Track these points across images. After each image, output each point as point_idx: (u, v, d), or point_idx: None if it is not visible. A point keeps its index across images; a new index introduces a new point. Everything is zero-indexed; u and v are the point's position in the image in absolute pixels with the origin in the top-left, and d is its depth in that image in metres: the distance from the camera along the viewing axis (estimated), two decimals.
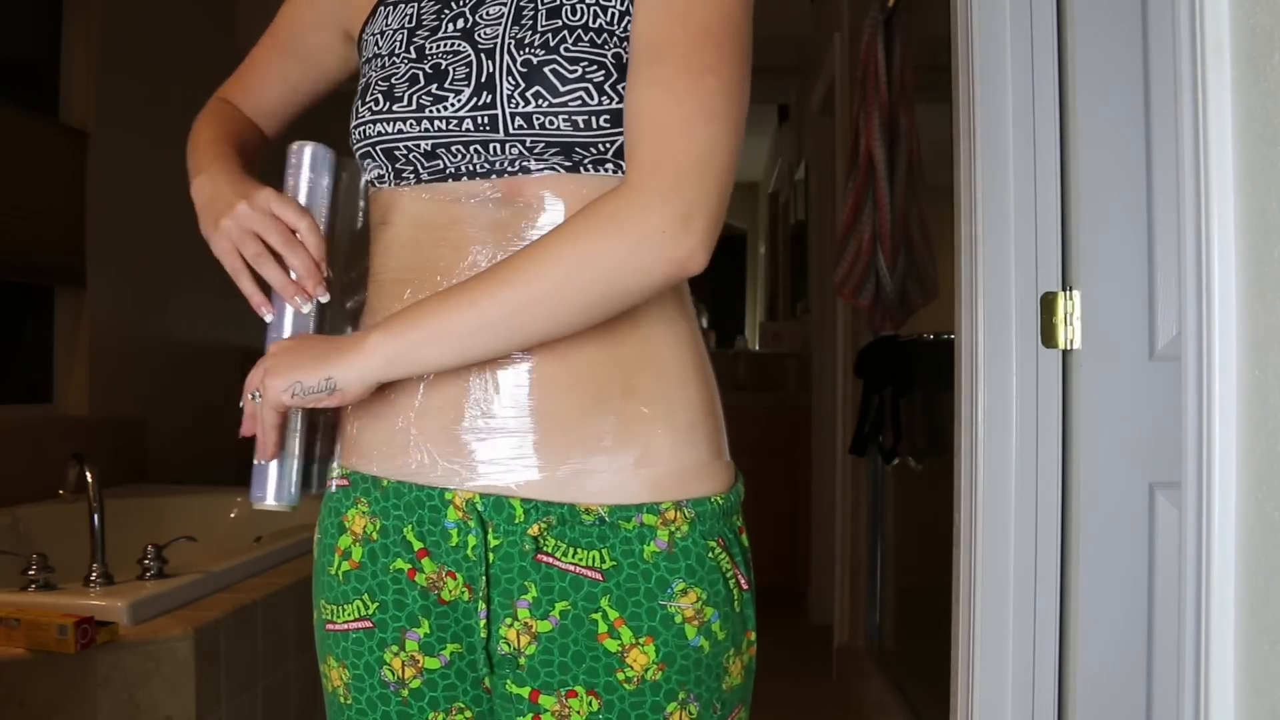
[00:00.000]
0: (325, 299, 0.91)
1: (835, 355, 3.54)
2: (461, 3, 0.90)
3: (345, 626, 0.89)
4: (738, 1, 0.83)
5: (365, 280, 0.95)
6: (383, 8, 0.94)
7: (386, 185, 0.91)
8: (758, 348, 5.32)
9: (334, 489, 0.94)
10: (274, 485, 0.90)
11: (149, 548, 2.03)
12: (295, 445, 0.90)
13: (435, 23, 0.90)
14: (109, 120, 3.16)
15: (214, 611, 1.93)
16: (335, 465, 0.95)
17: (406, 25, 0.91)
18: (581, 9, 0.85)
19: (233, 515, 3.04)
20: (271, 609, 2.12)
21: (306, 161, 0.94)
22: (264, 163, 1.07)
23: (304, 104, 1.08)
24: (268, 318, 0.91)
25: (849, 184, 2.69)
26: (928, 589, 2.27)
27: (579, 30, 0.84)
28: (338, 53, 1.03)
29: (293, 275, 0.89)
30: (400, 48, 0.90)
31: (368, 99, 0.90)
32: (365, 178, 0.95)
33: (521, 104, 0.83)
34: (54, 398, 3.09)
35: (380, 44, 0.92)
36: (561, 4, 0.86)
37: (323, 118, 1.17)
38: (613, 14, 0.85)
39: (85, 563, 2.00)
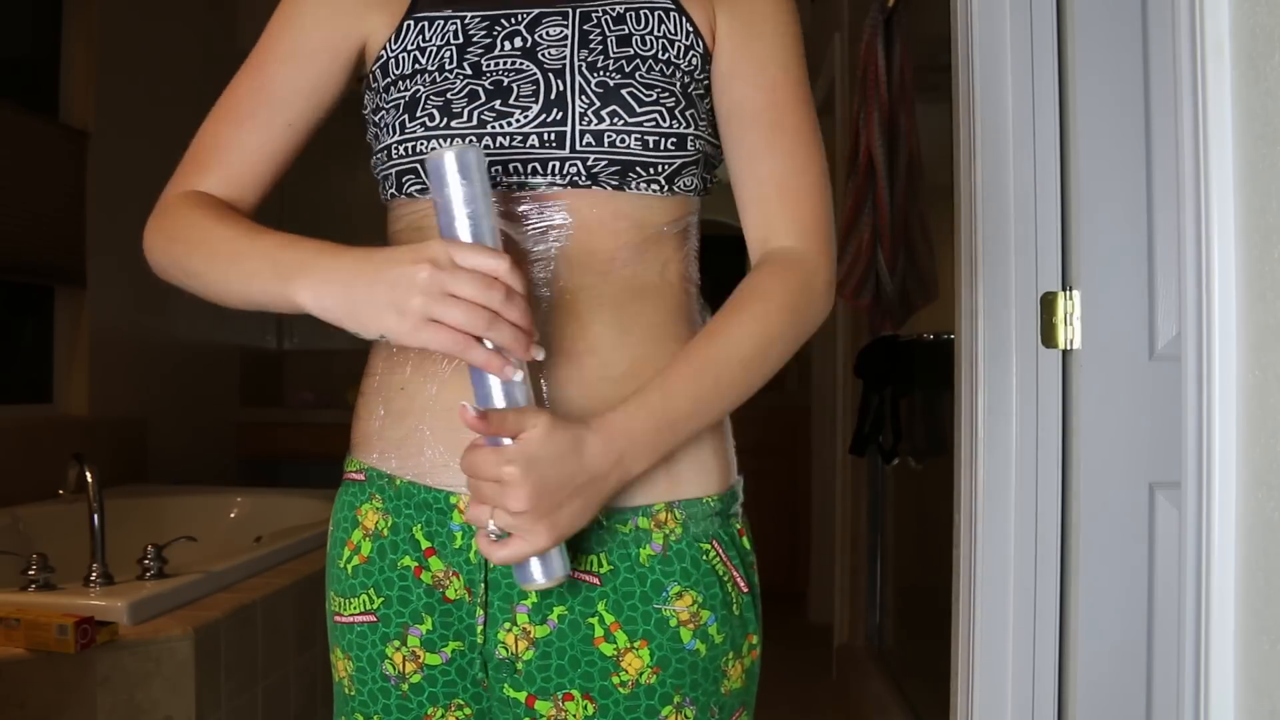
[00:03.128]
0: (541, 357, 0.80)
1: (835, 355, 3.54)
2: (514, 20, 0.89)
3: (351, 619, 0.91)
4: (805, 64, 0.95)
5: None
6: (410, 23, 0.91)
7: (428, 197, 0.87)
8: None
9: (346, 481, 0.95)
10: (541, 561, 0.80)
11: (149, 548, 2.03)
12: None
13: (488, 40, 0.89)
14: (109, 120, 3.15)
15: (214, 611, 1.93)
16: (350, 457, 0.96)
17: (453, 41, 0.89)
18: (651, 40, 0.90)
19: (233, 515, 3.04)
20: (271, 609, 2.11)
21: (455, 171, 0.77)
22: None
23: (298, 148, 0.95)
24: (518, 376, 0.77)
25: (849, 184, 2.69)
26: (928, 589, 2.27)
27: (650, 60, 0.89)
28: (350, 71, 0.94)
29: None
30: (450, 64, 0.88)
31: (419, 114, 0.87)
32: (389, 192, 0.92)
33: (595, 121, 0.85)
34: (54, 398, 3.09)
35: (422, 59, 0.89)
36: (631, 34, 0.89)
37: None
38: (679, 48, 0.90)
39: (85, 563, 2.00)
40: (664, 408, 0.82)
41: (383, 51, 0.92)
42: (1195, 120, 0.91)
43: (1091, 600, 1.47)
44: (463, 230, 0.78)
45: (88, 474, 2.16)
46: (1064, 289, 1.49)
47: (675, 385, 0.83)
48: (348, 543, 0.92)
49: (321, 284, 0.78)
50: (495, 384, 0.78)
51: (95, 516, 2.08)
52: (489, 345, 0.75)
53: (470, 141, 0.85)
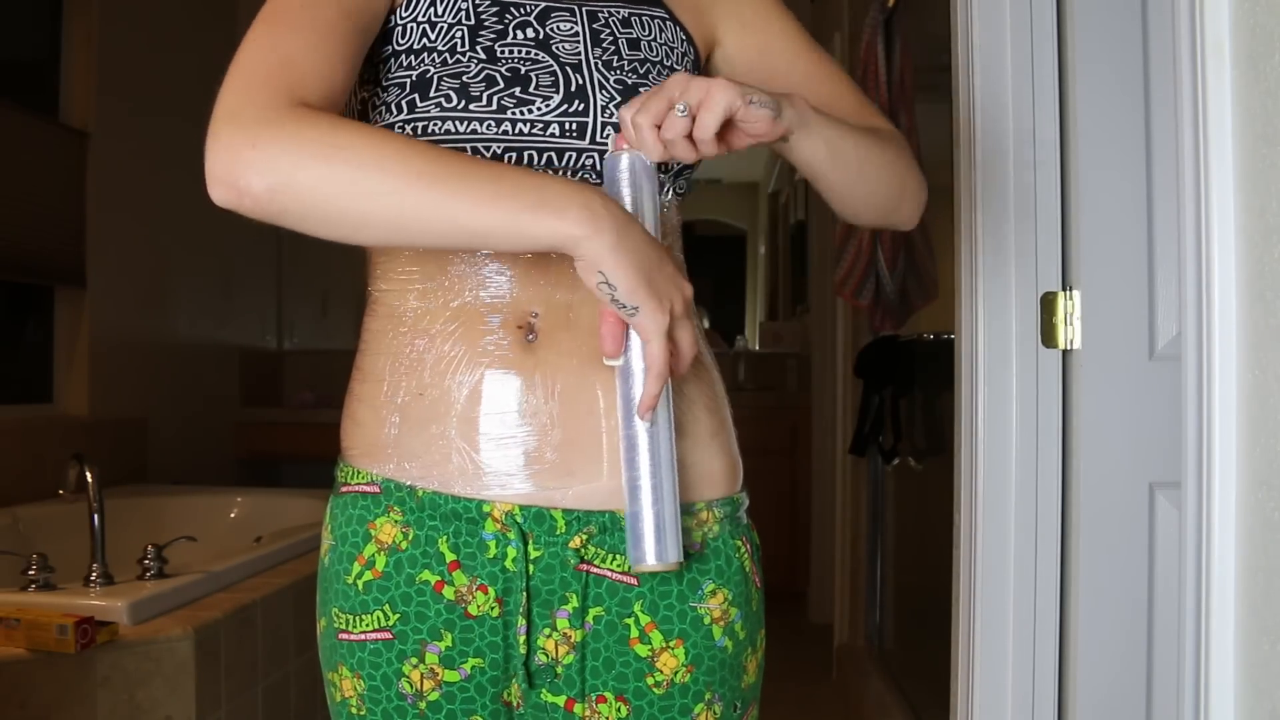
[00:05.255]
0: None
1: (835, 355, 3.54)
2: (523, 10, 0.90)
3: (362, 637, 0.87)
4: None
5: None
6: None
7: None
8: (758, 348, 5.31)
9: (350, 494, 0.91)
10: (656, 542, 0.79)
11: (149, 548, 2.03)
12: (676, 488, 0.81)
13: (499, 26, 0.89)
14: (109, 120, 3.15)
15: (214, 611, 1.93)
16: (352, 468, 0.91)
17: (464, 22, 0.88)
18: (656, 47, 0.93)
19: (233, 515, 3.04)
20: (271, 609, 2.11)
21: (627, 175, 0.82)
22: None
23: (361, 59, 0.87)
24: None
25: None
26: (928, 589, 2.27)
27: (659, 65, 0.92)
28: (387, 7, 0.88)
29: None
30: (463, 45, 0.87)
31: (433, 94, 0.85)
32: None
33: (615, 115, 0.86)
34: (54, 398, 3.09)
35: (431, 36, 0.87)
36: (639, 38, 0.92)
37: None
38: (678, 55, 0.95)
39: (85, 563, 2.00)
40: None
41: (391, 16, 0.88)
42: (1195, 120, 0.91)
43: (1091, 600, 1.47)
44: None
45: (88, 474, 2.16)
46: (1064, 289, 1.49)
47: (845, 127, 0.90)
48: (358, 558, 0.88)
49: (607, 232, 0.73)
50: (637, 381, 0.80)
51: (95, 516, 2.08)
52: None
53: (613, 136, 0.86)
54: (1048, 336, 1.49)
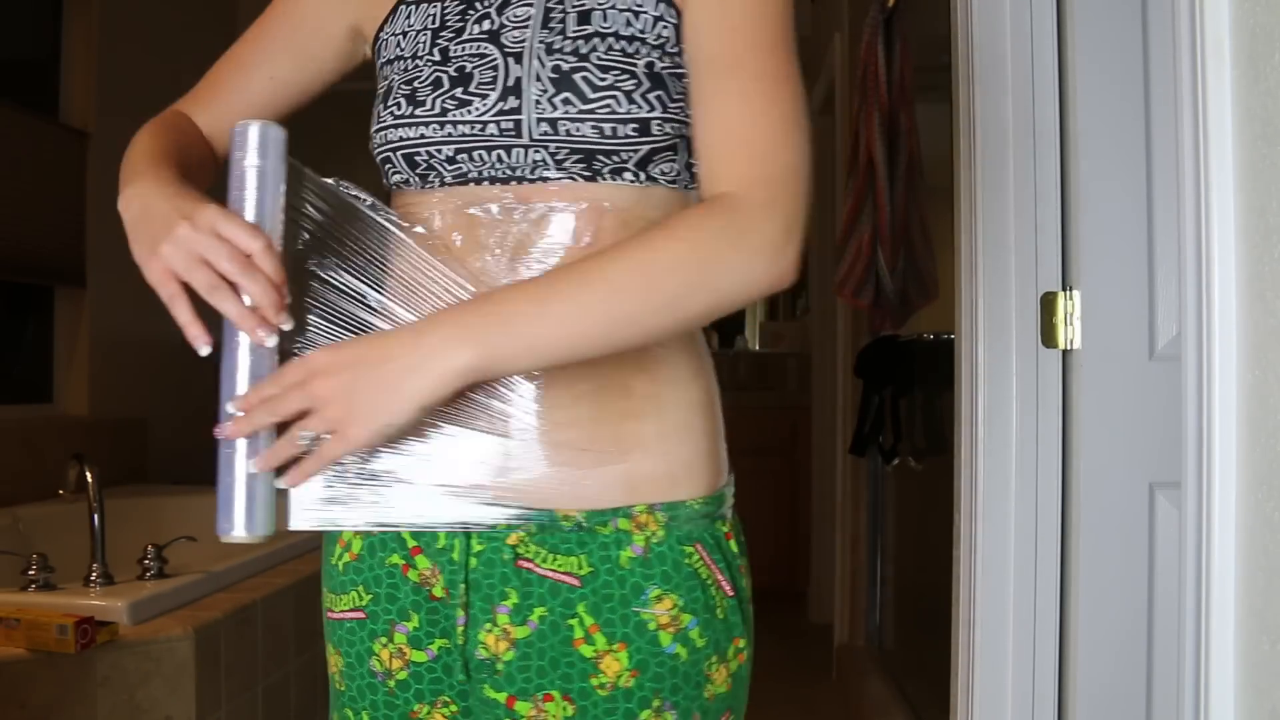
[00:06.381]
0: (289, 327, 0.81)
1: (835, 355, 3.54)
2: (487, 3, 0.88)
3: (341, 615, 0.92)
4: (788, 12, 0.85)
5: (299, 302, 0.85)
6: (404, 7, 0.92)
7: (411, 189, 0.89)
8: (758, 348, 5.31)
9: None
10: (246, 514, 0.80)
11: (149, 548, 2.03)
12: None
13: (460, 24, 0.88)
14: (109, 120, 3.15)
15: (214, 611, 1.93)
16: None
17: (430, 26, 0.89)
18: (613, 15, 0.84)
19: None
20: (271, 609, 2.12)
21: (254, 144, 0.81)
22: (212, 180, 0.94)
23: (287, 106, 0.98)
24: (204, 350, 0.80)
25: (849, 184, 2.69)
26: (928, 589, 2.27)
27: (610, 38, 0.83)
28: (339, 48, 0.97)
29: (248, 302, 0.78)
30: (424, 50, 0.88)
31: (389, 103, 0.88)
32: (382, 182, 0.93)
33: (549, 109, 0.82)
34: (54, 398, 3.09)
35: (402, 45, 0.90)
36: (592, 9, 0.85)
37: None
38: (646, 20, 0.84)
39: (85, 563, 2.00)
40: (503, 307, 0.77)
41: (379, 34, 0.94)
42: (1195, 120, 0.91)
43: (1091, 600, 1.47)
44: (248, 200, 0.81)
45: (88, 474, 2.16)
46: (1064, 289, 1.49)
47: (525, 289, 0.78)
48: (339, 540, 0.93)
49: (130, 198, 0.84)
50: (244, 350, 0.80)
51: (95, 516, 2.08)
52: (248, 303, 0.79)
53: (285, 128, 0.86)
54: (1048, 336, 1.49)
